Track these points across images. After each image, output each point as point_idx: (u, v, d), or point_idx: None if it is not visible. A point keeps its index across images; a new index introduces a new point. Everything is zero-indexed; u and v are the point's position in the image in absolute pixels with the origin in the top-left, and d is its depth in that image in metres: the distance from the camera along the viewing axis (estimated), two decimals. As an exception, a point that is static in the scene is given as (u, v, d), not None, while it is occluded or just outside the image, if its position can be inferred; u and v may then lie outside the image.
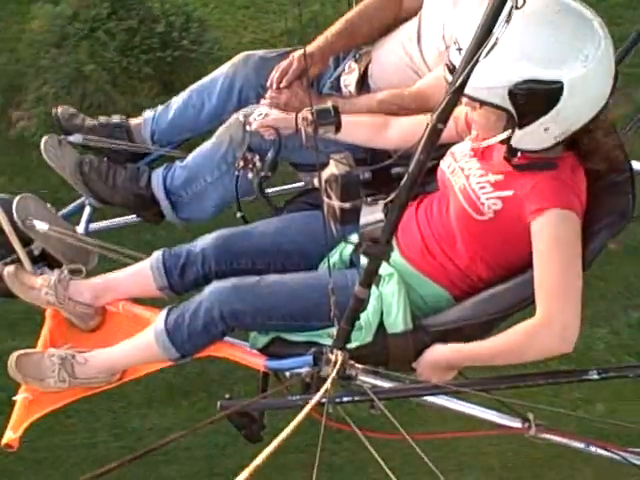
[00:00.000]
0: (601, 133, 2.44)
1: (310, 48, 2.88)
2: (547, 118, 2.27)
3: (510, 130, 2.31)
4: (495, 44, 1.88)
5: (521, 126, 2.29)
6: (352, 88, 2.96)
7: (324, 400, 2.16)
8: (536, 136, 2.32)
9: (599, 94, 2.31)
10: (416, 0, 2.90)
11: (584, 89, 2.27)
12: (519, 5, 1.84)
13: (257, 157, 2.74)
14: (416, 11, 2.90)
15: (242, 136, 2.77)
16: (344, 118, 2.58)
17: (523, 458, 4.12)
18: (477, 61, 1.90)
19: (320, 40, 2.92)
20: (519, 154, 2.37)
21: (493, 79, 2.23)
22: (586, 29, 2.30)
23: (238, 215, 2.87)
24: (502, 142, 2.37)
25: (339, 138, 2.63)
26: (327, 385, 2.08)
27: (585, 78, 2.26)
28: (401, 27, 2.96)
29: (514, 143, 2.34)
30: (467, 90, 2.21)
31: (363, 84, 2.96)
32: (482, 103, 2.29)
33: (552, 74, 2.23)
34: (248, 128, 2.74)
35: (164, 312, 2.57)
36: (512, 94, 2.23)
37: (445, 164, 2.55)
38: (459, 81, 1.92)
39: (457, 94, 1.94)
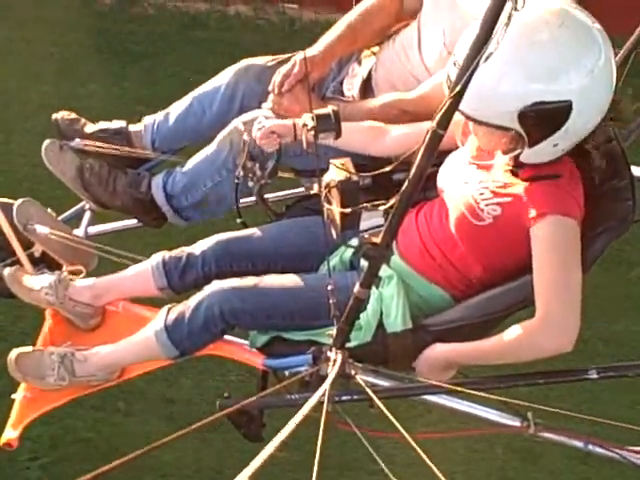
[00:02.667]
0: (602, 139, 2.47)
1: (311, 52, 2.89)
2: (558, 135, 2.28)
3: (520, 149, 2.32)
4: (496, 47, 1.89)
5: (531, 145, 2.29)
6: (355, 92, 2.97)
7: (323, 399, 2.16)
8: (545, 151, 2.33)
9: (604, 102, 2.33)
10: (417, 1, 2.91)
11: (591, 102, 2.28)
12: (518, 7, 1.85)
13: (257, 166, 2.75)
14: (417, 12, 2.92)
15: (242, 145, 2.78)
16: (343, 125, 2.57)
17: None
18: (477, 64, 1.90)
19: (321, 44, 2.93)
20: (525, 167, 2.38)
21: (501, 103, 2.23)
22: (588, 39, 2.30)
23: (238, 221, 2.89)
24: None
25: (335, 144, 2.64)
26: (327, 384, 2.07)
27: (591, 91, 2.27)
28: (403, 30, 2.97)
29: (523, 159, 2.34)
30: (474, 114, 2.25)
31: (366, 88, 2.97)
32: (490, 126, 2.29)
33: (560, 93, 2.23)
34: (246, 138, 2.75)
35: (164, 310, 2.58)
36: (522, 117, 2.23)
37: (444, 170, 2.57)
38: (459, 85, 1.93)
39: (457, 99, 1.95)
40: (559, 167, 2.40)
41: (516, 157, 2.36)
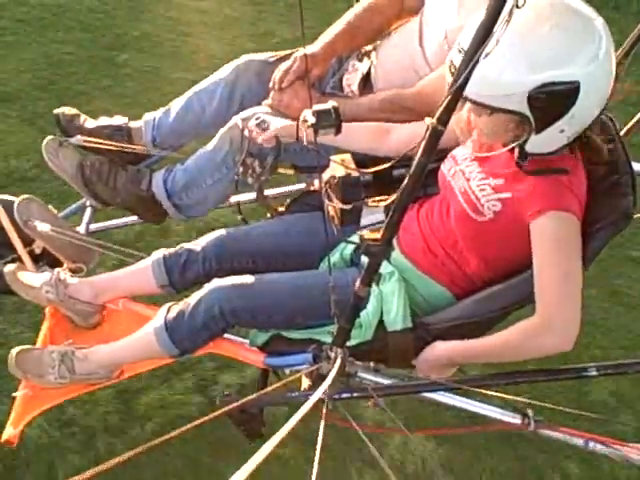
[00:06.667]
0: (603, 133, 2.46)
1: (312, 49, 2.89)
2: (564, 119, 2.25)
3: (526, 135, 2.29)
4: (496, 44, 1.88)
5: (538, 130, 2.27)
6: (354, 88, 2.97)
7: (323, 397, 2.17)
8: (551, 138, 2.30)
9: (605, 90, 2.30)
10: None
11: (596, 87, 2.25)
12: (519, 4, 1.83)
13: (257, 162, 2.75)
14: (418, 9, 2.91)
15: (241, 142, 2.78)
16: (345, 125, 2.56)
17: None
18: (477, 61, 1.89)
19: (322, 40, 2.92)
20: (529, 158, 2.36)
21: (511, 86, 2.20)
22: (591, 28, 2.27)
23: (239, 218, 2.88)
24: (512, 147, 2.35)
25: (339, 144, 2.63)
26: (327, 383, 2.08)
27: (596, 75, 2.24)
28: (404, 26, 2.96)
29: (529, 148, 2.32)
30: (482, 98, 2.21)
31: (366, 84, 2.96)
32: (498, 111, 2.26)
33: (568, 75, 2.19)
34: (246, 134, 2.75)
35: (164, 309, 2.58)
36: (531, 99, 2.20)
37: (446, 167, 2.56)
38: (459, 81, 1.92)
39: (457, 94, 1.94)
40: (563, 161, 2.38)
41: (521, 148, 2.34)
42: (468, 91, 2.15)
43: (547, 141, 2.31)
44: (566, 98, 2.23)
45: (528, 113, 2.23)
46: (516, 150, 2.34)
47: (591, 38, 2.25)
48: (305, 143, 2.58)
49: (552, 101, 2.22)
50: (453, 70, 2.23)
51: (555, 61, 2.21)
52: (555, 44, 2.21)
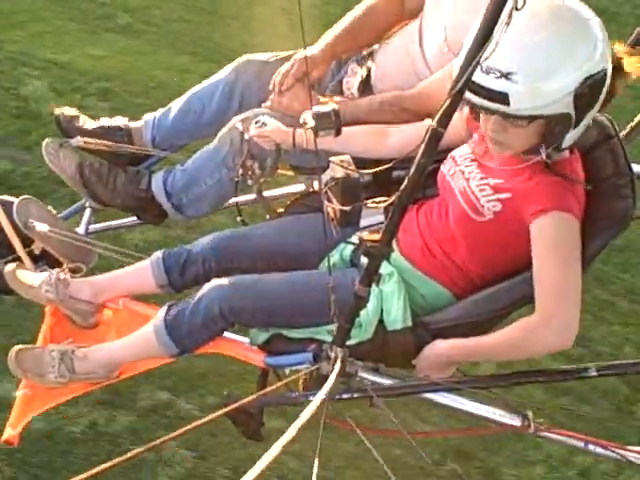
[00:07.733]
0: (602, 136, 2.48)
1: (311, 51, 2.88)
2: (596, 107, 2.30)
3: (564, 134, 2.30)
4: (495, 46, 1.89)
5: (576, 125, 2.29)
6: (354, 90, 2.97)
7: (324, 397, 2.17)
8: (580, 130, 2.33)
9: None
10: (418, 1, 2.91)
11: (608, 70, 2.30)
12: (519, 6, 1.85)
13: (256, 164, 2.75)
14: (419, 12, 2.91)
15: (240, 144, 2.78)
16: (343, 129, 2.56)
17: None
18: (477, 63, 1.90)
19: (322, 43, 2.92)
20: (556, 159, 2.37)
21: (558, 91, 2.23)
22: (594, 21, 2.33)
23: (238, 219, 2.89)
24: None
25: (338, 150, 2.63)
26: (328, 384, 2.08)
27: (607, 60, 2.29)
28: (403, 29, 2.97)
29: (565, 144, 2.33)
30: (529, 111, 2.24)
31: (365, 87, 2.96)
32: (538, 118, 2.27)
33: (598, 65, 2.26)
34: (246, 136, 2.75)
35: (164, 308, 2.58)
36: (577, 96, 2.24)
37: (446, 168, 2.56)
38: (460, 84, 1.93)
39: (458, 98, 1.95)
40: (566, 163, 2.39)
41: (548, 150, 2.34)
42: (514, 109, 2.21)
43: (577, 133, 2.33)
44: (600, 85, 2.28)
45: (572, 111, 2.26)
46: (543, 150, 2.35)
47: (598, 31, 2.30)
48: (305, 145, 2.58)
49: (592, 93, 2.27)
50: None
51: (587, 56, 2.25)
52: (579, 41, 2.27)
